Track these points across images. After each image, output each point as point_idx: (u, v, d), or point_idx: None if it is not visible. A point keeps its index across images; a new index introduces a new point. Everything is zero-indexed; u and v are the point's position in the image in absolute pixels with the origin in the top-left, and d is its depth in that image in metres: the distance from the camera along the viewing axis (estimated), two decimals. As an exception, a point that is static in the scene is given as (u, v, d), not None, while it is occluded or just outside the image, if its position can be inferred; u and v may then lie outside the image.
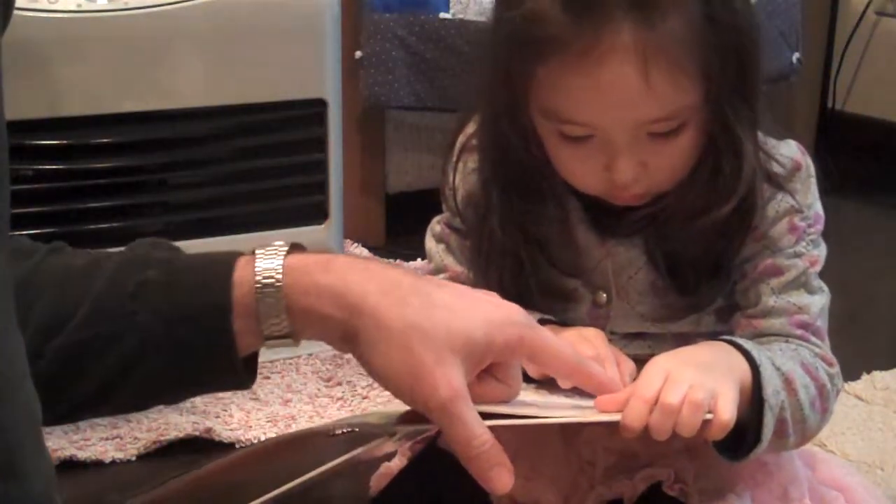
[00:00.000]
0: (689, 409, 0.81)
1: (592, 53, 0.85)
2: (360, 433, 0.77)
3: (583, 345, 0.90)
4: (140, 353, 0.74)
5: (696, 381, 0.82)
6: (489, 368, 0.77)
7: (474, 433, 0.71)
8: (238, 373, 0.75)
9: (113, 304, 0.74)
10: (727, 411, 0.82)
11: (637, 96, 0.86)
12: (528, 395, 0.86)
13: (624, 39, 0.85)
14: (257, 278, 0.73)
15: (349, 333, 0.73)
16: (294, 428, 1.48)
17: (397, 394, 0.73)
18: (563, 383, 0.87)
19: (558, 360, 0.78)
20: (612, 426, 0.83)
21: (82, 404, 0.75)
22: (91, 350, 0.73)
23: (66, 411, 0.75)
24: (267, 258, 0.74)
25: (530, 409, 0.80)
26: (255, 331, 0.74)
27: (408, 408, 0.77)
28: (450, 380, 0.71)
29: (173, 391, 0.78)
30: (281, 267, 0.74)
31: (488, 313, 0.75)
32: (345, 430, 0.78)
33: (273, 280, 0.73)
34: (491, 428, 0.73)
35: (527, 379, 0.89)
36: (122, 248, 0.78)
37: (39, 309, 0.73)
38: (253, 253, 0.75)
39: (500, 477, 0.72)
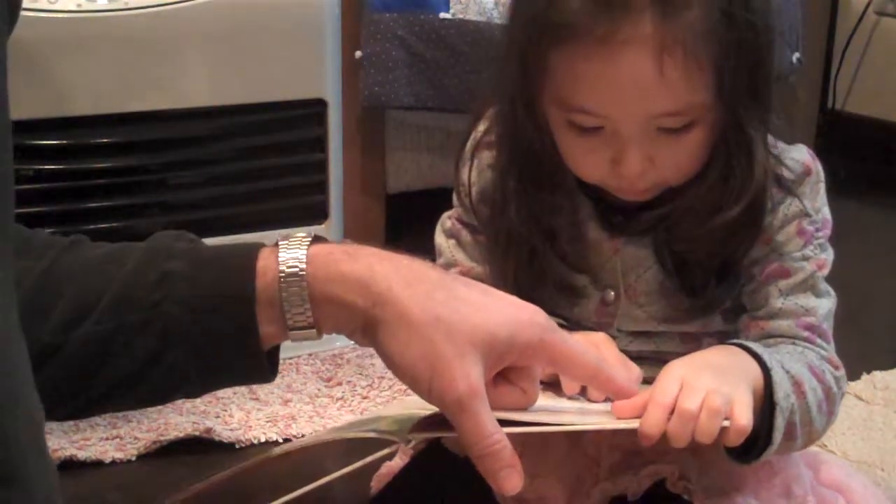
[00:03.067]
0: (707, 415, 0.80)
1: (610, 41, 0.85)
2: (374, 440, 0.76)
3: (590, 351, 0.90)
4: (164, 343, 0.73)
5: (712, 386, 0.82)
6: (507, 374, 0.76)
7: (487, 431, 0.71)
8: (261, 364, 0.75)
9: (137, 295, 0.74)
10: (744, 417, 0.81)
11: (650, 88, 0.86)
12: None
13: (643, 29, 0.85)
14: (281, 268, 0.73)
15: (370, 323, 0.72)
16: (294, 428, 1.48)
17: (414, 386, 0.72)
18: (572, 387, 0.86)
19: (579, 364, 0.77)
20: (630, 433, 0.82)
21: (105, 396, 0.75)
22: (115, 340, 0.73)
23: (85, 404, 0.75)
24: (291, 248, 0.74)
25: (542, 414, 0.80)
26: (279, 321, 0.73)
27: (420, 414, 0.77)
28: (468, 375, 0.70)
29: (197, 382, 0.77)
30: (305, 256, 0.73)
31: (512, 312, 0.74)
32: (361, 437, 0.77)
33: (297, 269, 0.73)
34: (508, 434, 0.72)
35: None
36: (144, 241, 0.78)
37: (61, 300, 0.73)
38: (276, 244, 0.75)
39: (510, 478, 0.71)
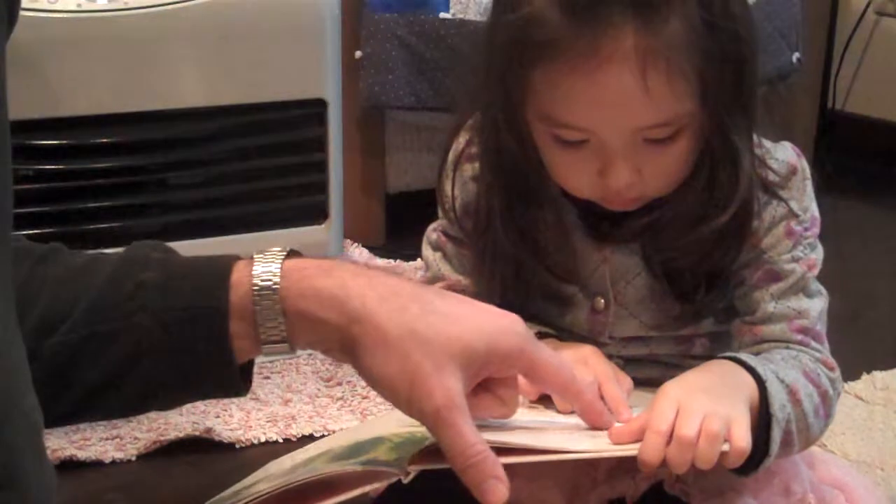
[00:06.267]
0: (706, 441, 0.80)
1: (592, 57, 0.85)
2: (374, 471, 0.75)
3: (580, 367, 0.89)
4: (136, 355, 0.73)
5: (709, 409, 0.81)
6: (486, 384, 0.75)
7: (469, 442, 0.69)
8: (234, 378, 0.74)
9: (110, 305, 0.73)
10: (743, 439, 0.81)
11: (635, 101, 0.86)
12: (523, 414, 0.85)
13: (624, 44, 0.84)
14: (255, 281, 0.72)
15: (347, 340, 0.72)
16: (294, 428, 1.48)
17: (394, 401, 0.72)
18: (567, 406, 0.86)
19: (554, 376, 0.77)
20: (629, 459, 0.81)
21: (77, 406, 0.74)
22: (87, 350, 0.72)
23: (60, 414, 0.74)
24: (265, 262, 0.73)
25: (538, 436, 0.78)
26: (252, 335, 0.73)
27: (418, 430, 0.76)
28: (446, 387, 0.69)
29: (169, 395, 0.77)
30: (279, 270, 0.73)
31: (490, 322, 0.73)
32: (359, 471, 0.76)
33: (271, 283, 0.72)
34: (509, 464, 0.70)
35: None
36: (120, 250, 0.77)
37: (36, 309, 0.72)
38: (251, 257, 0.74)
39: (496, 490, 0.70)
